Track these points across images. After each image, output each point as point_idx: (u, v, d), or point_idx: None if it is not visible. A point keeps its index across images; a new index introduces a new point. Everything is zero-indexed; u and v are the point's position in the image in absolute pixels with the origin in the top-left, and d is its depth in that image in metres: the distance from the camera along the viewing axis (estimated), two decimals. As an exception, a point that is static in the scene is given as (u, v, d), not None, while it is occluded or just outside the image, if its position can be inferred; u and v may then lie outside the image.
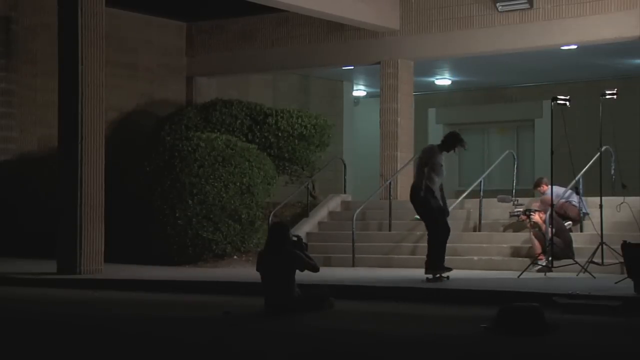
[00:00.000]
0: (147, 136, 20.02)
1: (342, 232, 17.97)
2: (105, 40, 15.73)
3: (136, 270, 16.23)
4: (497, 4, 18.79)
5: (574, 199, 15.99)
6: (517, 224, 16.52)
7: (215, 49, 22.65)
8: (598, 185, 14.77)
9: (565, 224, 15.82)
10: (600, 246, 14.22)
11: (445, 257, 16.33)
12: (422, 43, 19.93)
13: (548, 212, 14.94)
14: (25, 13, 20.19)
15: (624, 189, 15.34)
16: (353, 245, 17.14)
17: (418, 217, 17.97)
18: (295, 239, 10.90)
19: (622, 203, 15.43)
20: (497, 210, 17.65)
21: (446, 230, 13.86)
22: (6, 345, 8.16)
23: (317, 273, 10.78)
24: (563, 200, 15.84)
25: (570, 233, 15.64)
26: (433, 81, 24.48)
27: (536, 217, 15.71)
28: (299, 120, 19.90)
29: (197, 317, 10.49)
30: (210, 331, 9.20)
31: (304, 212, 19.31)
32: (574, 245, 15.31)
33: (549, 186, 15.57)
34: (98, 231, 15.44)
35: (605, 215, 14.69)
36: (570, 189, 15.92)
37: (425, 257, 13.92)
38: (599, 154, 15.27)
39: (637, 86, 22.63)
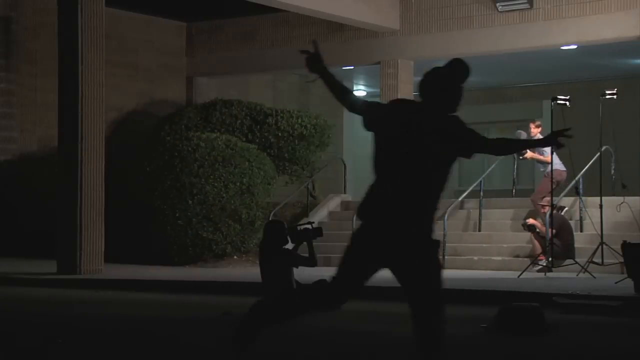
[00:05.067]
0: (147, 136, 20.01)
1: (342, 232, 17.96)
2: (105, 40, 15.73)
3: (136, 270, 16.23)
4: (497, 4, 18.78)
5: (559, 166, 15.69)
6: (518, 226, 16.48)
7: (215, 49, 22.64)
8: (598, 185, 14.77)
9: (562, 212, 15.71)
10: (600, 246, 14.22)
11: (446, 257, 16.38)
12: (422, 43, 19.92)
13: (548, 213, 14.94)
14: (25, 13, 20.18)
15: (624, 189, 15.35)
16: (353, 245, 17.12)
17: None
18: (303, 227, 10.80)
19: (622, 203, 15.44)
20: (498, 211, 17.65)
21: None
22: (6, 346, 8.16)
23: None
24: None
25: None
26: (433, 81, 24.45)
27: (531, 220, 15.72)
28: (299, 120, 19.89)
29: (197, 317, 10.49)
30: (210, 331, 9.20)
31: (304, 212, 19.31)
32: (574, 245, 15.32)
33: (538, 131, 15.62)
34: (98, 231, 15.44)
35: (605, 215, 14.69)
36: (572, 188, 15.91)
37: None
38: (599, 154, 15.27)
39: (637, 86, 22.61)
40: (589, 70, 22.82)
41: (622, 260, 12.70)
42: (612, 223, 15.52)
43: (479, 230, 17.30)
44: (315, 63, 5.84)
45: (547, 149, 15.42)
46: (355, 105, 5.88)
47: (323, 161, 20.74)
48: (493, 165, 19.04)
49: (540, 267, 14.68)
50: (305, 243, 10.76)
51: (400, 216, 5.49)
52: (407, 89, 20.39)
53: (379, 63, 20.47)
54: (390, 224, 5.50)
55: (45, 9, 19.74)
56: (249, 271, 15.37)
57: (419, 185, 5.51)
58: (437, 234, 17.67)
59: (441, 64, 5.82)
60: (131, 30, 21.94)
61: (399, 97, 20.22)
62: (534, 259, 14.94)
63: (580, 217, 16.18)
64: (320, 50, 5.87)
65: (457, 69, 5.66)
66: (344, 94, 5.87)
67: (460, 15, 19.36)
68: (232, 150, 17.88)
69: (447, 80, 5.66)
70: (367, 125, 5.84)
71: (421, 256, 5.53)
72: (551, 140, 5.68)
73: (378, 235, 5.53)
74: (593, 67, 22.32)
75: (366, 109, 5.83)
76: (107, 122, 17.23)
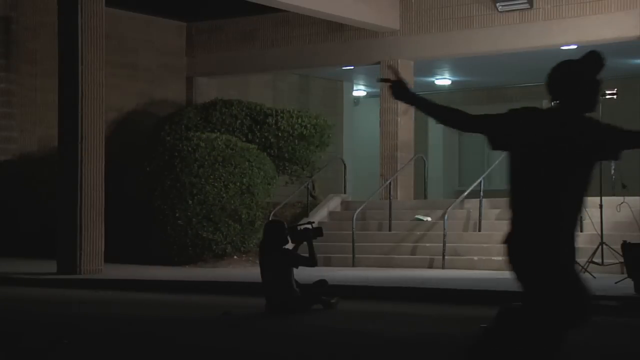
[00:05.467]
0: (147, 136, 20.02)
1: (342, 232, 17.96)
2: (105, 40, 15.73)
3: (136, 270, 16.23)
4: (497, 4, 18.79)
5: None
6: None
7: (215, 49, 22.65)
8: (598, 185, 14.75)
9: None
10: (600, 246, 14.22)
11: (446, 257, 16.37)
12: (422, 43, 19.92)
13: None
14: (25, 13, 20.18)
15: (624, 189, 15.34)
16: (353, 245, 17.14)
17: (419, 217, 18.04)
18: (304, 227, 10.81)
19: (622, 203, 15.42)
20: (498, 211, 17.65)
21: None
22: (7, 346, 8.16)
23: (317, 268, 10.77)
24: None
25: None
26: (433, 81, 24.46)
27: None
28: (299, 120, 19.90)
29: (197, 317, 10.49)
30: (211, 332, 9.20)
31: (304, 212, 19.30)
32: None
33: None
34: (98, 231, 15.44)
35: (605, 215, 14.68)
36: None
37: None
38: (599, 153, 15.23)
39: (637, 86, 22.61)
40: (589, 70, 22.80)
41: (622, 260, 12.69)
42: (612, 223, 15.52)
43: (479, 230, 17.30)
44: (401, 91, 5.03)
45: None
46: (468, 124, 5.08)
47: (323, 161, 20.74)
48: (493, 165, 19.02)
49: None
50: (305, 243, 10.79)
51: (534, 251, 4.89)
52: (407, 89, 20.38)
53: (379, 63, 20.45)
54: (525, 257, 4.96)
55: (45, 9, 19.74)
56: (249, 271, 15.37)
57: (555, 210, 4.96)
58: (437, 234, 17.53)
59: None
60: (131, 30, 21.94)
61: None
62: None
63: (580, 217, 16.14)
64: (400, 75, 5.04)
65: (591, 59, 5.07)
66: (446, 116, 5.08)
67: (460, 15, 19.36)
68: (232, 150, 17.88)
69: (581, 75, 5.05)
70: (493, 145, 5.05)
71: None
72: None
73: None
74: (593, 67, 22.30)
75: (486, 126, 5.04)
76: (107, 122, 17.23)
